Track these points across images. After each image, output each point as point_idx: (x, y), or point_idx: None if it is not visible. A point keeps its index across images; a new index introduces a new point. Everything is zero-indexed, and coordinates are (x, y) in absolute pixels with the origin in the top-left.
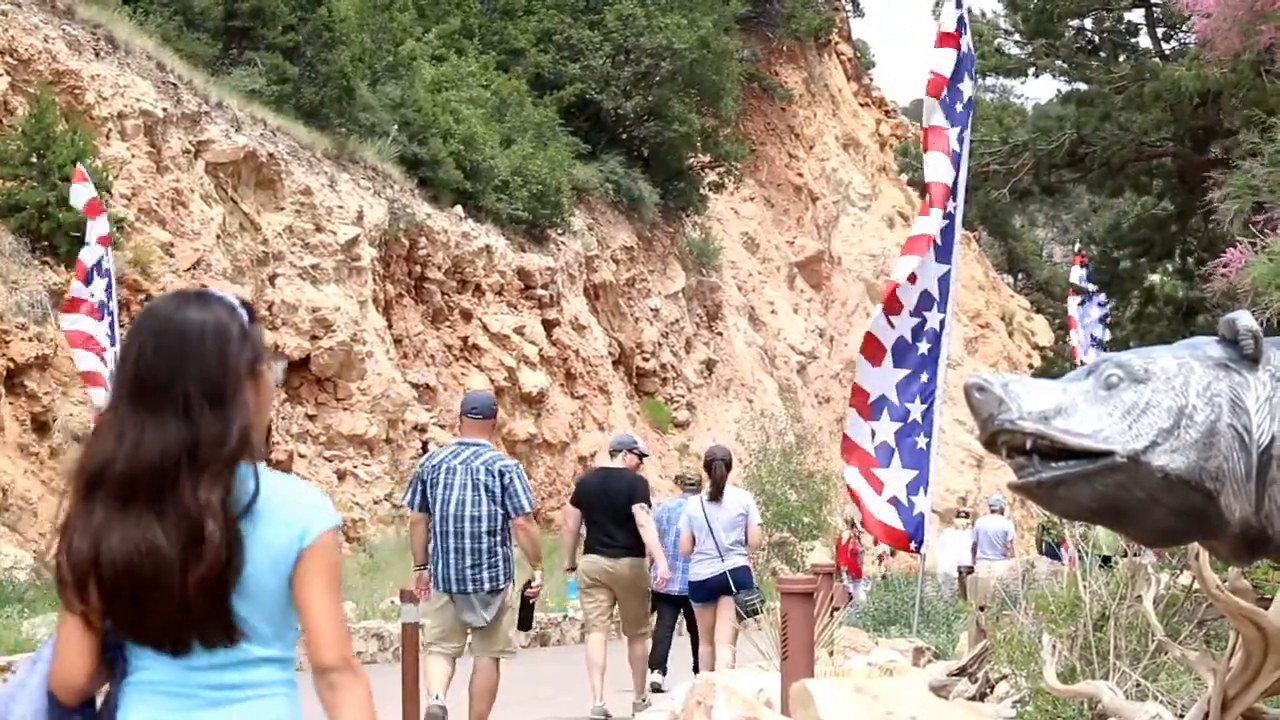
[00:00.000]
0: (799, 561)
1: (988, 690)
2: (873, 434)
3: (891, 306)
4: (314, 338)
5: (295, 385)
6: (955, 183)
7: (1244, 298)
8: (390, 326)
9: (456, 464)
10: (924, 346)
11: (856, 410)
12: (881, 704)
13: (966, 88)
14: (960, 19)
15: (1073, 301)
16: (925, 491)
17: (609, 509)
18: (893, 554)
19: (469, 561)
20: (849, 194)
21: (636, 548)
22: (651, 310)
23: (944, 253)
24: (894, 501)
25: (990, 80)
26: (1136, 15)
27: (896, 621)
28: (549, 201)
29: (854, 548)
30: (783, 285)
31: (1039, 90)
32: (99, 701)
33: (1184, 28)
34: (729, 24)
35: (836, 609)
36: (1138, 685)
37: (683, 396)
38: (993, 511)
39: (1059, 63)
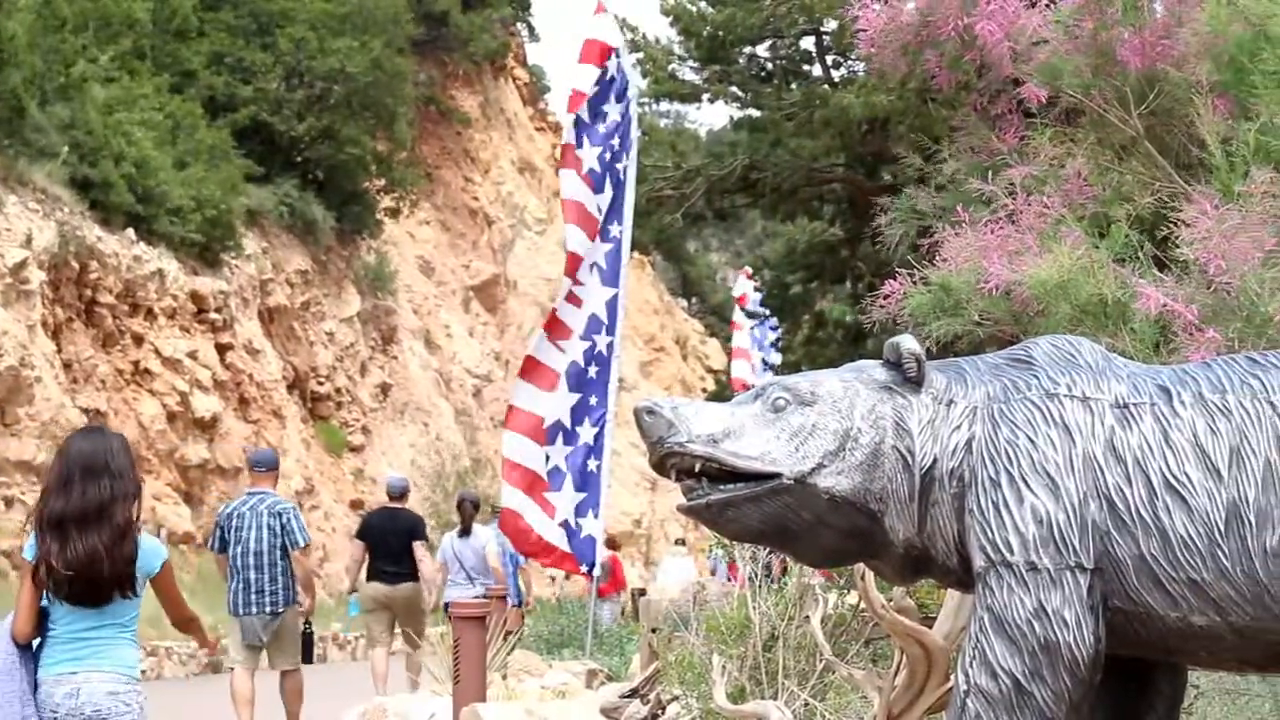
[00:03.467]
0: None
1: (659, 712)
2: (546, 458)
3: (559, 332)
4: None
5: None
6: (619, 205)
7: (905, 327)
8: (60, 351)
9: (245, 510)
10: (594, 370)
11: (527, 435)
12: None
13: (613, 110)
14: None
15: (739, 332)
16: (595, 515)
17: (393, 543)
18: (567, 576)
19: (255, 589)
20: (524, 218)
21: (412, 575)
22: (326, 334)
23: (610, 276)
24: (565, 525)
25: (665, 106)
26: (808, 43)
27: (570, 644)
28: (222, 225)
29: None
30: (458, 309)
31: (713, 116)
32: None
33: (853, 56)
34: (401, 44)
35: (510, 632)
36: (806, 704)
37: (358, 420)
38: None
39: (732, 89)
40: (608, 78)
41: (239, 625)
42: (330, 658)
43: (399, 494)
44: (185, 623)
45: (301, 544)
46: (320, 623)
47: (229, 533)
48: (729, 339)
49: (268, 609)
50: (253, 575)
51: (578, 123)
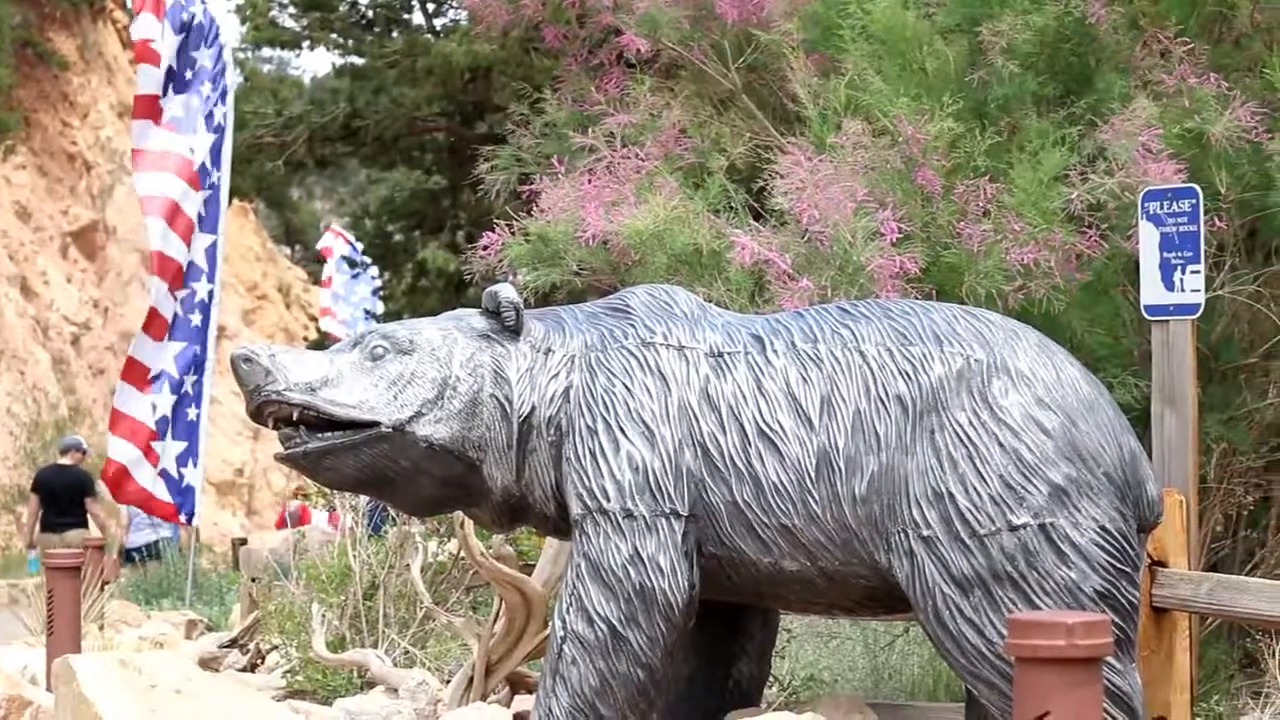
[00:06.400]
0: None
1: (259, 661)
2: (154, 408)
3: (174, 281)
4: None
5: None
6: (217, 152)
7: (505, 277)
8: None
9: None
10: (195, 318)
11: (133, 385)
12: (146, 677)
13: (203, 56)
14: None
15: (336, 281)
16: (195, 464)
17: (63, 496)
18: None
19: None
20: (124, 163)
21: (78, 524)
22: None
23: (210, 224)
24: (164, 474)
25: (267, 52)
26: None
27: (170, 594)
28: None
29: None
30: (56, 255)
31: (316, 64)
32: None
33: (452, 4)
34: None
35: (107, 582)
36: (406, 652)
37: None
38: None
39: (334, 36)
40: (195, 22)
41: None
42: None
43: (63, 451)
44: None
45: None
46: None
47: None
48: None
49: None
50: None
51: (168, 72)
